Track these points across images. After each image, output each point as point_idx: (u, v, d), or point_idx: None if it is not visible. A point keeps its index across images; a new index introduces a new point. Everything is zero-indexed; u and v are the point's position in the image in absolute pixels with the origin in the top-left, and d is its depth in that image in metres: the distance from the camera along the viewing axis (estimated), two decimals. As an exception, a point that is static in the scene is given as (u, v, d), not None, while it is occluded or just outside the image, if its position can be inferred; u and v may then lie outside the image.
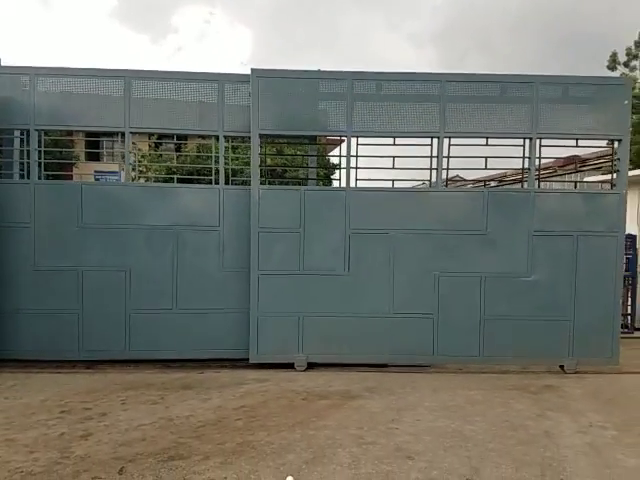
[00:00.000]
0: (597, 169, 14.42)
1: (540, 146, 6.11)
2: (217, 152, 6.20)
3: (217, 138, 6.20)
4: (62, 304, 6.02)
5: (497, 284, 6.04)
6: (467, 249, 6.05)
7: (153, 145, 13.40)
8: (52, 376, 5.60)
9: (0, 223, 5.96)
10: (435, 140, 6.05)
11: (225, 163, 6.28)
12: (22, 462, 3.35)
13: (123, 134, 6.11)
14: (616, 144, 6.15)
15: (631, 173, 8.74)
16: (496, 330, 6.03)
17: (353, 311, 6.04)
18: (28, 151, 6.02)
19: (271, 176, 9.95)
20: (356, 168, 6.12)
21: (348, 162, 6.07)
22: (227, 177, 6.49)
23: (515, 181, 12.50)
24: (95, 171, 15.24)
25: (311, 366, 6.02)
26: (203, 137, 9.68)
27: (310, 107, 6.21)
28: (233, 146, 9.94)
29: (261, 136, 6.12)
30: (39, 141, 6.02)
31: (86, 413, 4.34)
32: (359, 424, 4.14)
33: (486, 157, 6.21)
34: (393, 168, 6.26)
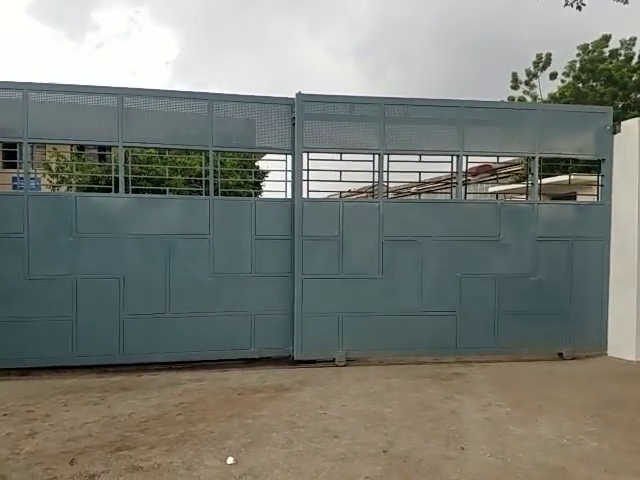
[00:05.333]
0: (508, 177, 15.94)
1: (540, 164, 7.01)
2: (207, 165, 6.50)
3: (207, 152, 6.51)
4: (56, 311, 6.08)
5: (508, 284, 6.86)
6: (484, 253, 6.83)
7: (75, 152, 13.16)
8: (-13, 384, 5.61)
9: None
10: (455, 158, 6.79)
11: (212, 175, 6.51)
12: (-28, 461, 3.50)
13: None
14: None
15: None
16: (508, 324, 6.84)
17: (387, 310, 6.62)
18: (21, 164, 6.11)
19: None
20: (387, 182, 6.74)
21: (380, 177, 6.65)
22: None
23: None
24: (13, 178, 14.80)
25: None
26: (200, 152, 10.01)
27: (346, 128, 6.67)
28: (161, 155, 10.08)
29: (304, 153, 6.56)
30: (32, 154, 6.15)
31: (29, 415, 4.48)
32: (291, 412, 4.58)
33: (497, 173, 7.19)
34: (419, 182, 7.06)
